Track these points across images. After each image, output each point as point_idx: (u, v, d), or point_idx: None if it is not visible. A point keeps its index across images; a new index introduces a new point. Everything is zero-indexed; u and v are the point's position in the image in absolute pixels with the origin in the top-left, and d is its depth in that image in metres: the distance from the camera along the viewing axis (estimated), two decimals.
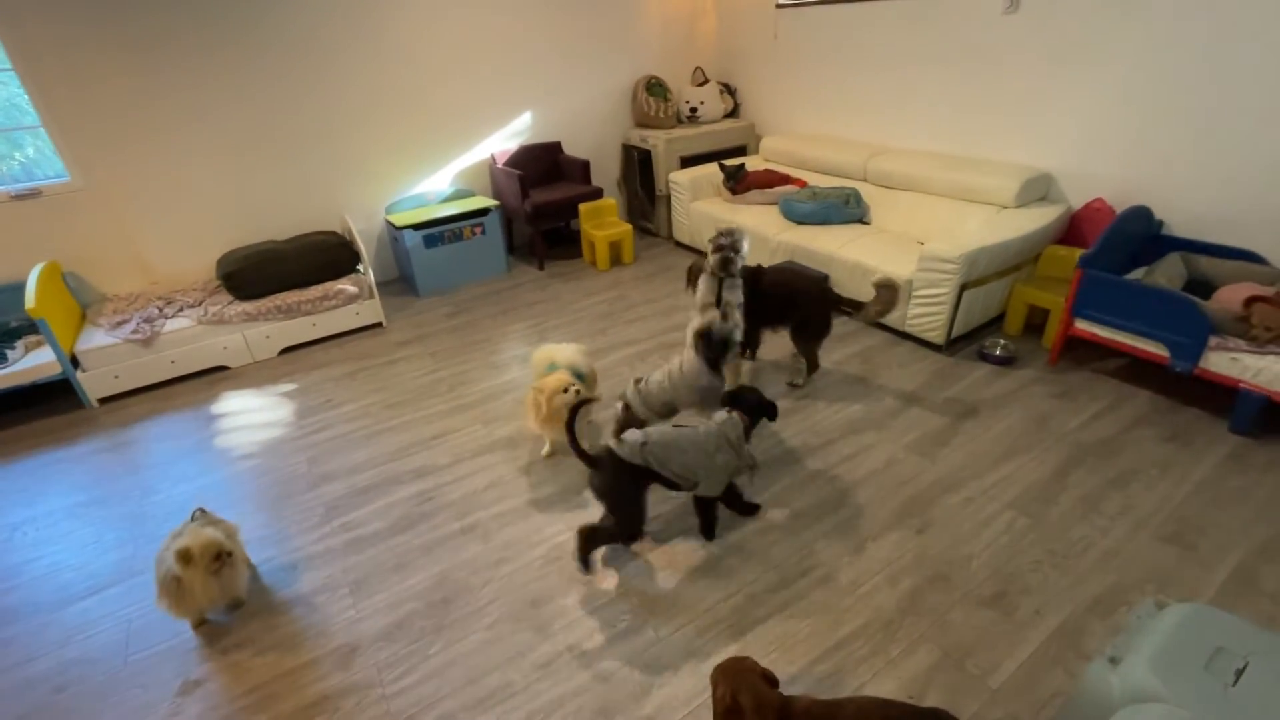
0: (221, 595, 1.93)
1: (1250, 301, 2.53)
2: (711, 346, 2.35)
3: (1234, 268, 2.82)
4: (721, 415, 2.10)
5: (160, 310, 3.50)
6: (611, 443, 1.98)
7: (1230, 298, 2.60)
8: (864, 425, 2.71)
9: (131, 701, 1.79)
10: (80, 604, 2.12)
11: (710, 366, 2.36)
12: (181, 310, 3.54)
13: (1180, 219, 3.05)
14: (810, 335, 2.93)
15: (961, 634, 1.83)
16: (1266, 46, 2.61)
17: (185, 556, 1.81)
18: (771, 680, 1.39)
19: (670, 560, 2.13)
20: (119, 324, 3.35)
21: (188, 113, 3.64)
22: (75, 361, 3.19)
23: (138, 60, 3.43)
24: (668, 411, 2.47)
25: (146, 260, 3.81)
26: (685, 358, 2.40)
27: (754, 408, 2.13)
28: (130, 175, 3.60)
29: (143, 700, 1.79)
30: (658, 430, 2.01)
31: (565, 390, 2.38)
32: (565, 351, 2.67)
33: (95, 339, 3.25)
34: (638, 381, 2.47)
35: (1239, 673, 1.18)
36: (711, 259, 2.55)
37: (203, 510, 2.06)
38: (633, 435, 1.97)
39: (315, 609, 2.04)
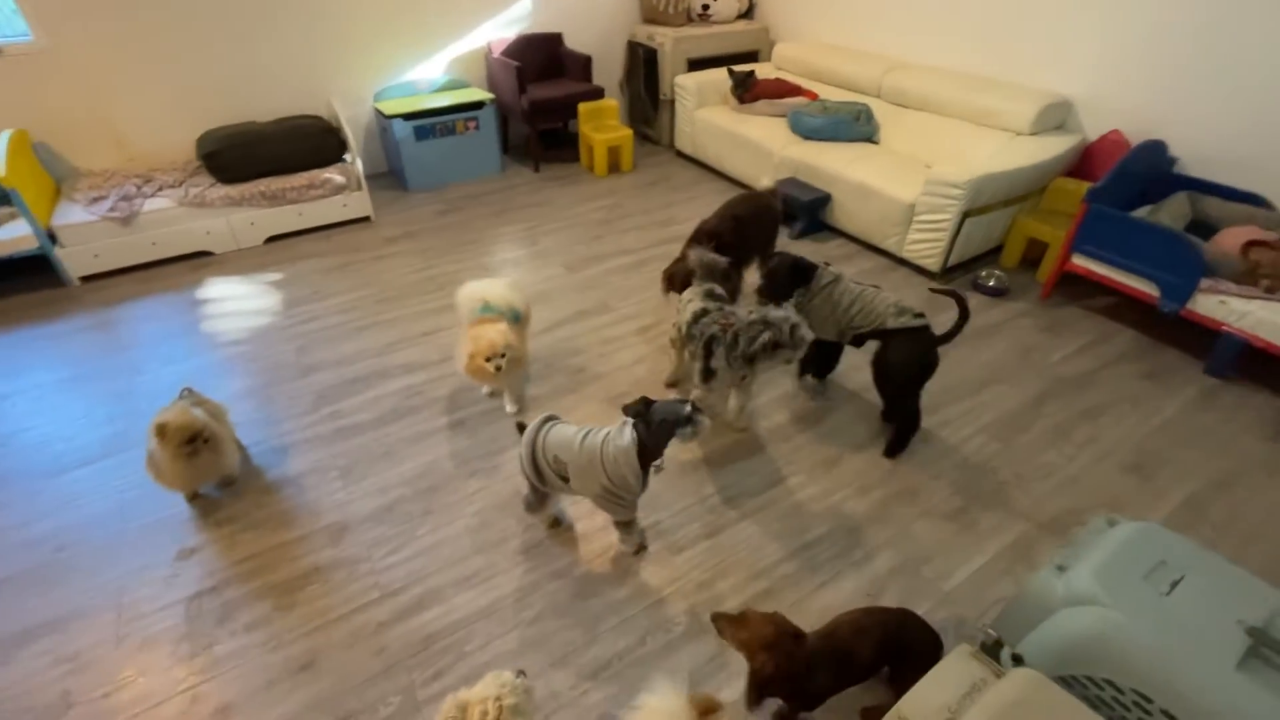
0: (198, 475, 1.94)
1: (1249, 246, 2.52)
2: (654, 430, 1.61)
3: (1238, 210, 2.78)
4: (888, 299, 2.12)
5: (138, 189, 3.36)
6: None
7: (1231, 241, 2.59)
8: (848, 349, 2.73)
9: (131, 563, 1.87)
10: (74, 473, 2.17)
11: (641, 458, 1.63)
12: (161, 190, 3.40)
13: (1194, 157, 2.97)
14: (772, 245, 2.92)
15: (922, 543, 1.93)
16: None
17: (160, 431, 1.82)
18: (798, 635, 1.37)
19: None
20: (95, 200, 3.23)
21: None
22: (52, 237, 3.10)
23: None
24: (557, 473, 1.72)
25: (122, 134, 3.62)
26: (614, 439, 1.66)
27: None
28: (102, 39, 3.35)
29: (141, 563, 1.88)
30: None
31: (489, 359, 2.07)
32: (497, 289, 2.32)
33: (72, 215, 3.14)
34: (548, 419, 1.79)
35: (1174, 584, 1.26)
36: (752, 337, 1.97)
37: (190, 390, 2.07)
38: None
39: (305, 490, 2.11)
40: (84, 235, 3.14)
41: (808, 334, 1.97)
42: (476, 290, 2.34)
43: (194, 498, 2.06)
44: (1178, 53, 2.88)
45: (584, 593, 1.80)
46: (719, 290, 2.26)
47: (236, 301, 3.08)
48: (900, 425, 2.22)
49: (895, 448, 2.23)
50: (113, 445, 2.27)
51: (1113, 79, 3.14)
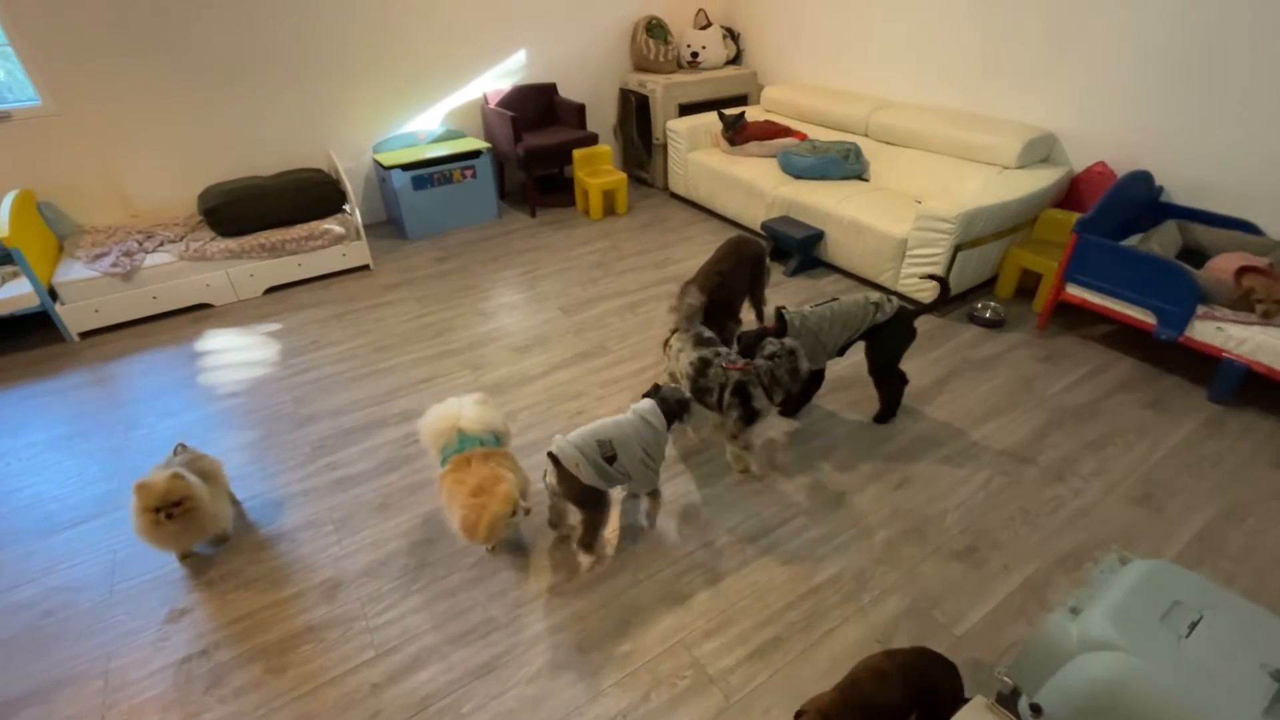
0: (167, 543, 1.88)
1: (1242, 271, 2.52)
2: (671, 404, 1.99)
3: (1228, 237, 2.80)
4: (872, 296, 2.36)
5: (140, 244, 3.41)
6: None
7: (1223, 267, 2.60)
8: (850, 382, 2.73)
9: (118, 627, 1.82)
10: (64, 534, 2.13)
11: (667, 417, 1.98)
12: (162, 245, 3.45)
13: (1180, 185, 3.01)
14: (761, 288, 2.97)
15: (931, 585, 1.88)
16: (1274, 16, 2.53)
17: (138, 487, 1.79)
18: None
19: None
20: (97, 257, 3.27)
21: (167, 39, 3.46)
22: (53, 294, 3.13)
23: None
24: (606, 458, 1.85)
25: (125, 192, 3.69)
26: (639, 409, 1.97)
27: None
28: (107, 103, 3.45)
29: (130, 627, 1.83)
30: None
31: (514, 514, 1.79)
32: (468, 411, 1.99)
33: (73, 271, 3.18)
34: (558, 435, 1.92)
35: (1193, 626, 1.22)
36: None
37: (184, 445, 2.05)
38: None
39: (300, 544, 2.07)
40: (85, 291, 3.17)
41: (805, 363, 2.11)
42: (443, 418, 1.98)
43: (186, 556, 2.02)
44: (1158, 85, 2.95)
45: (585, 646, 1.74)
46: (707, 334, 2.27)
47: (235, 353, 3.09)
48: (893, 391, 2.47)
49: (888, 414, 2.51)
50: (106, 503, 2.24)
51: (1095, 112, 3.21)
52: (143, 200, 3.74)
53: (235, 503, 2.18)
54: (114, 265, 3.21)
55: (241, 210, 3.50)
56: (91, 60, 3.34)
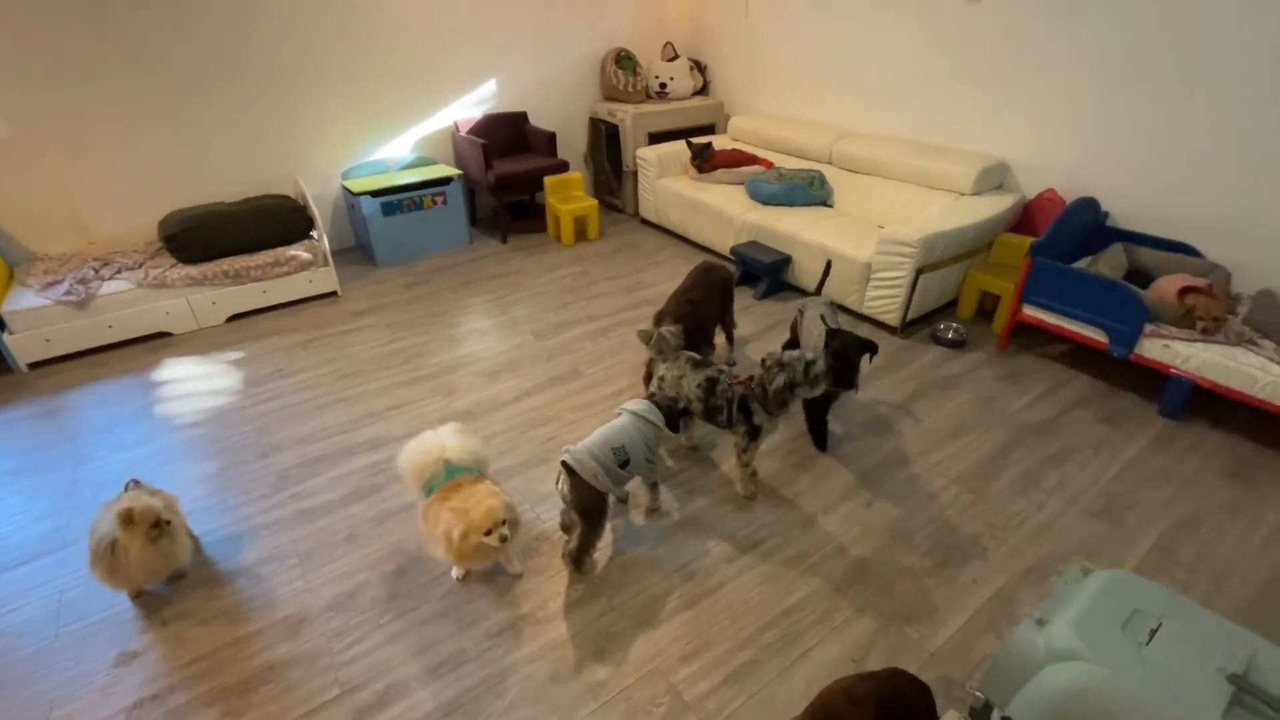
0: (159, 566, 1.85)
1: (1184, 291, 2.66)
2: (668, 410, 2.10)
3: (1171, 259, 2.95)
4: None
5: (96, 271, 3.31)
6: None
7: (1166, 287, 2.73)
8: None
9: (63, 673, 1.72)
10: (7, 575, 2.02)
11: (669, 422, 2.10)
12: (119, 272, 3.36)
13: (1124, 211, 3.18)
14: (730, 312, 3.01)
15: (903, 602, 1.90)
16: (1201, 55, 2.71)
17: (126, 518, 1.74)
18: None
19: (626, 532, 2.15)
20: (50, 285, 3.16)
21: (129, 63, 3.42)
22: (1, 323, 3.01)
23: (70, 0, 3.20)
24: (619, 464, 1.94)
25: (83, 219, 3.59)
26: (635, 409, 2.06)
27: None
28: (64, 126, 3.37)
29: (76, 672, 1.73)
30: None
31: (489, 533, 1.75)
32: (451, 440, 1.95)
33: (24, 300, 3.07)
34: (566, 449, 1.96)
35: (1152, 633, 1.26)
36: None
37: (136, 482, 1.96)
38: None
39: (262, 579, 1.99)
40: (35, 320, 3.06)
41: (822, 367, 2.05)
42: (426, 451, 1.93)
43: (139, 595, 1.93)
44: (1101, 117, 3.12)
45: (559, 675, 1.71)
46: (698, 356, 2.29)
47: (195, 382, 3.00)
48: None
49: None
50: (52, 541, 2.14)
51: (1044, 142, 3.37)
52: (101, 227, 3.65)
53: (193, 538, 2.10)
54: (68, 293, 3.11)
55: (205, 236, 3.43)
56: (48, 82, 3.27)
